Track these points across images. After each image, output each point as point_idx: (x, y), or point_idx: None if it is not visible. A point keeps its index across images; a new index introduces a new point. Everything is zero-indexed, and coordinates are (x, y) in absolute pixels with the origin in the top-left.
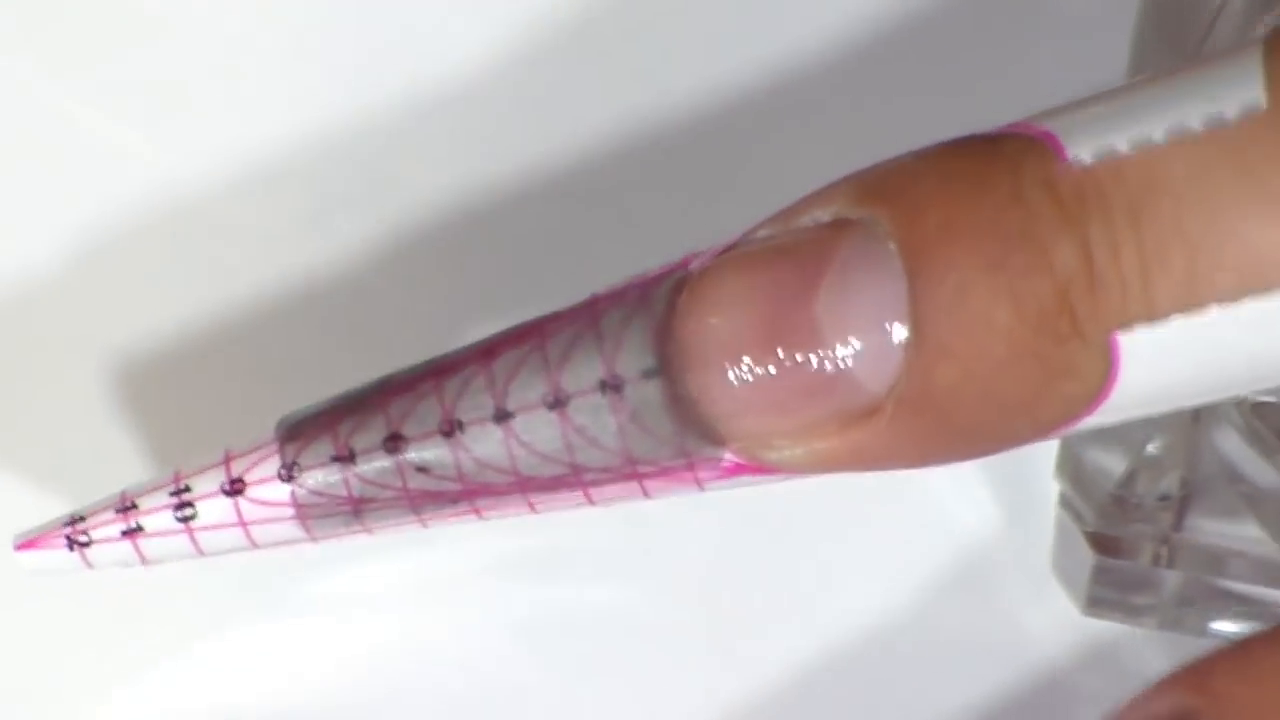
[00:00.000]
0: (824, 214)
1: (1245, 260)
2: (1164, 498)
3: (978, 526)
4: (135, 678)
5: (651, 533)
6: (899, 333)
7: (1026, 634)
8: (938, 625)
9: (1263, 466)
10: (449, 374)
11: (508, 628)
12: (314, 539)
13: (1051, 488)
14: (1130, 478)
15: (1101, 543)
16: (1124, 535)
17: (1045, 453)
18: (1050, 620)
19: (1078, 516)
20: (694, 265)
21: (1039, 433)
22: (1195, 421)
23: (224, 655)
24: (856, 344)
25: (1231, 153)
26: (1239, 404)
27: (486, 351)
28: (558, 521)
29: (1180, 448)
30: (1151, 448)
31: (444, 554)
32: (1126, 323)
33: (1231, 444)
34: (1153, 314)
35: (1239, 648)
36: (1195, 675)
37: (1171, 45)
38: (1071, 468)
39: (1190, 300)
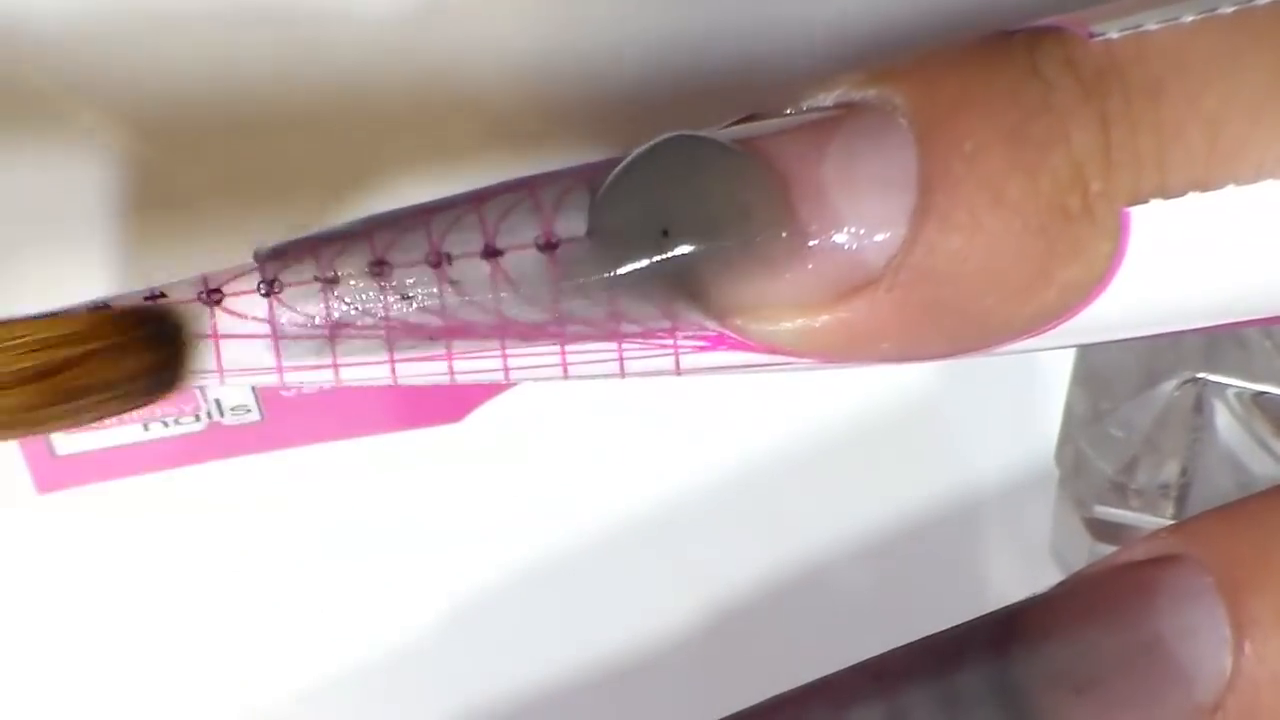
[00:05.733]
0: (827, 98)
1: (1265, 142)
2: (1164, 486)
3: (976, 510)
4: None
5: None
6: (905, 200)
7: None
8: (933, 608)
9: (1261, 456)
10: (438, 211)
11: None
12: (279, 375)
13: (1052, 472)
14: (1130, 465)
15: (1100, 529)
16: (1123, 523)
17: (1047, 436)
18: None
19: (1077, 502)
20: None
21: (1034, 323)
22: (1196, 411)
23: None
24: (860, 210)
25: (1259, 33)
26: (1239, 394)
27: (477, 197)
28: None
29: (1181, 436)
30: (1152, 435)
31: None
32: (1140, 199)
33: (1231, 433)
34: (1167, 189)
35: (1227, 505)
36: (1180, 525)
37: None
38: (1072, 453)
39: (1206, 178)
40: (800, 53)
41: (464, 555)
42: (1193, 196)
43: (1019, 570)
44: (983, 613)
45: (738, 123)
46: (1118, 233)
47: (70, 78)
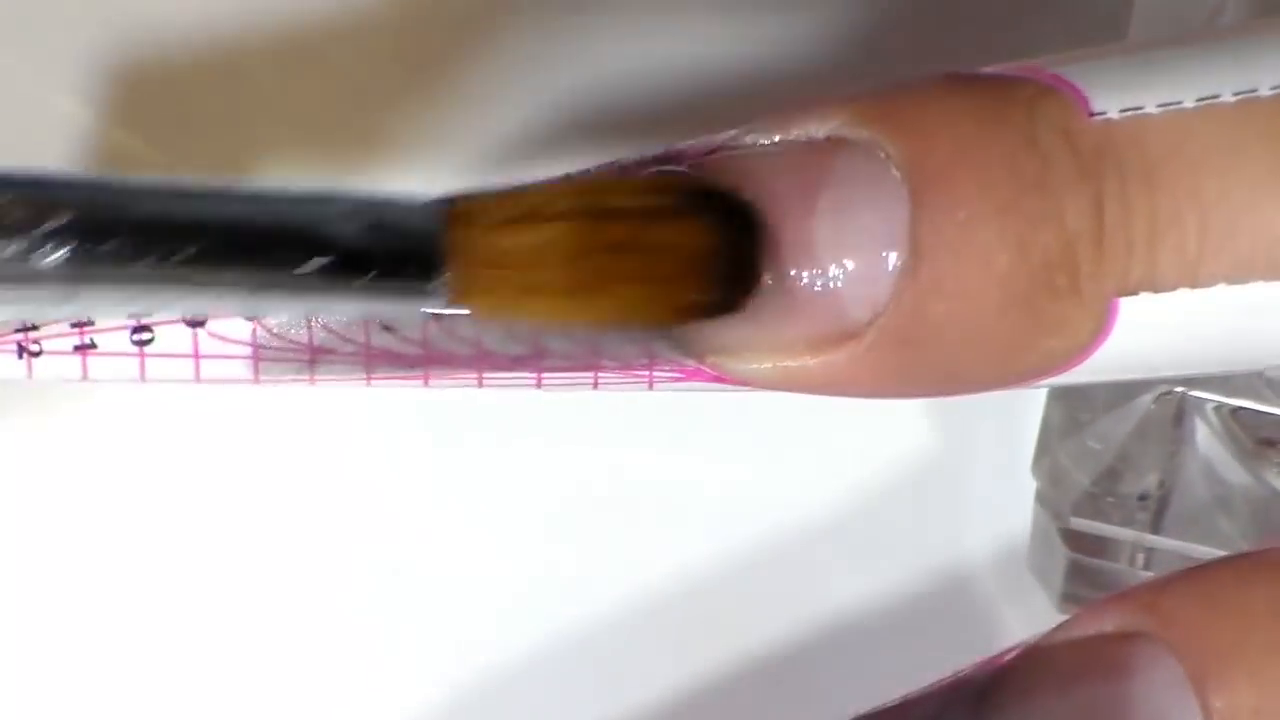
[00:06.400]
0: (819, 129)
1: (1259, 239)
2: (1142, 498)
3: (953, 521)
4: None
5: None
6: (894, 260)
7: (1001, 629)
8: (912, 619)
9: (1239, 470)
10: None
11: None
12: (256, 381)
13: (1029, 483)
14: (1107, 476)
15: (1076, 540)
16: (1100, 534)
17: (1026, 446)
18: (1025, 616)
19: (1054, 514)
20: (684, 166)
21: (1011, 381)
22: (1175, 424)
23: None
24: (849, 266)
25: (1259, 127)
26: (1218, 408)
27: None
28: None
29: (1159, 449)
30: (1130, 448)
31: None
32: (1129, 288)
33: (1210, 447)
34: (1157, 283)
35: (1196, 572)
36: (1148, 594)
37: None
38: (1049, 464)
39: (1198, 274)
40: (800, 61)
41: (469, 627)
42: (1183, 292)
43: (996, 580)
44: (963, 629)
45: (712, 153)
46: (1104, 314)
47: (68, 77)
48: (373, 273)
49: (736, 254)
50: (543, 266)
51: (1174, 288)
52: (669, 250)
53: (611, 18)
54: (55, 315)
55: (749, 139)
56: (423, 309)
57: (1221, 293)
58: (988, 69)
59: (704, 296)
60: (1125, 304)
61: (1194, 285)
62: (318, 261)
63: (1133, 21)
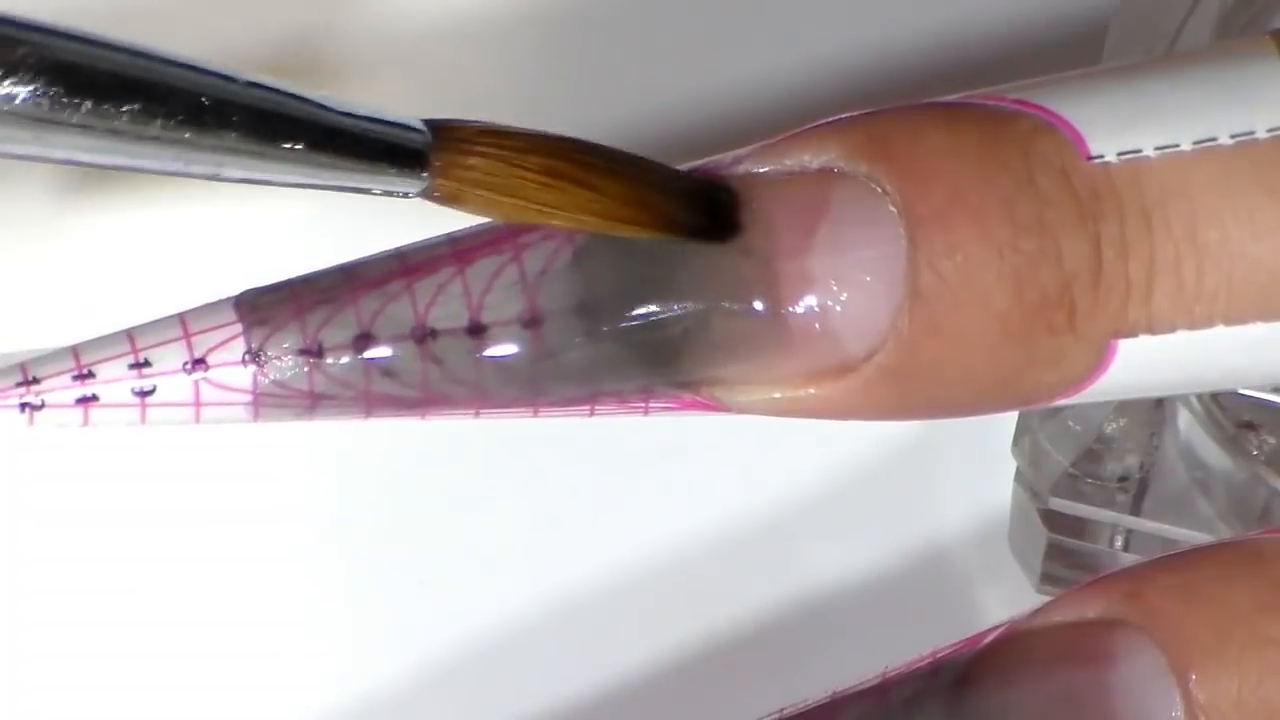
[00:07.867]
0: (813, 159)
1: (1257, 281)
2: (1122, 480)
3: (936, 500)
4: None
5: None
6: (890, 298)
7: (981, 608)
8: (892, 597)
9: (1218, 453)
10: (421, 274)
11: None
12: (253, 421)
13: (1010, 463)
14: (1087, 458)
15: (1055, 521)
16: (1080, 515)
17: (1006, 427)
18: (1004, 596)
19: (1034, 494)
20: None
21: (1005, 408)
22: (1155, 407)
23: None
24: (845, 302)
25: (1257, 171)
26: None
27: (460, 254)
28: None
29: (1139, 431)
30: (1110, 429)
31: None
32: (1128, 330)
33: (1191, 430)
34: (1154, 324)
35: (1177, 561)
36: (1130, 583)
37: None
38: (1029, 445)
39: (1195, 315)
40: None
41: (451, 597)
42: (1180, 333)
43: (976, 559)
44: (942, 608)
45: (717, 176)
46: (1101, 351)
47: None
48: (349, 144)
49: (716, 197)
50: (526, 152)
51: (1171, 329)
52: (652, 168)
53: (622, 41)
54: (17, 152)
55: (739, 170)
56: (404, 189)
57: (1219, 333)
58: (979, 95)
59: (687, 215)
60: (1123, 343)
61: (1191, 326)
62: (299, 134)
63: (1109, 28)
